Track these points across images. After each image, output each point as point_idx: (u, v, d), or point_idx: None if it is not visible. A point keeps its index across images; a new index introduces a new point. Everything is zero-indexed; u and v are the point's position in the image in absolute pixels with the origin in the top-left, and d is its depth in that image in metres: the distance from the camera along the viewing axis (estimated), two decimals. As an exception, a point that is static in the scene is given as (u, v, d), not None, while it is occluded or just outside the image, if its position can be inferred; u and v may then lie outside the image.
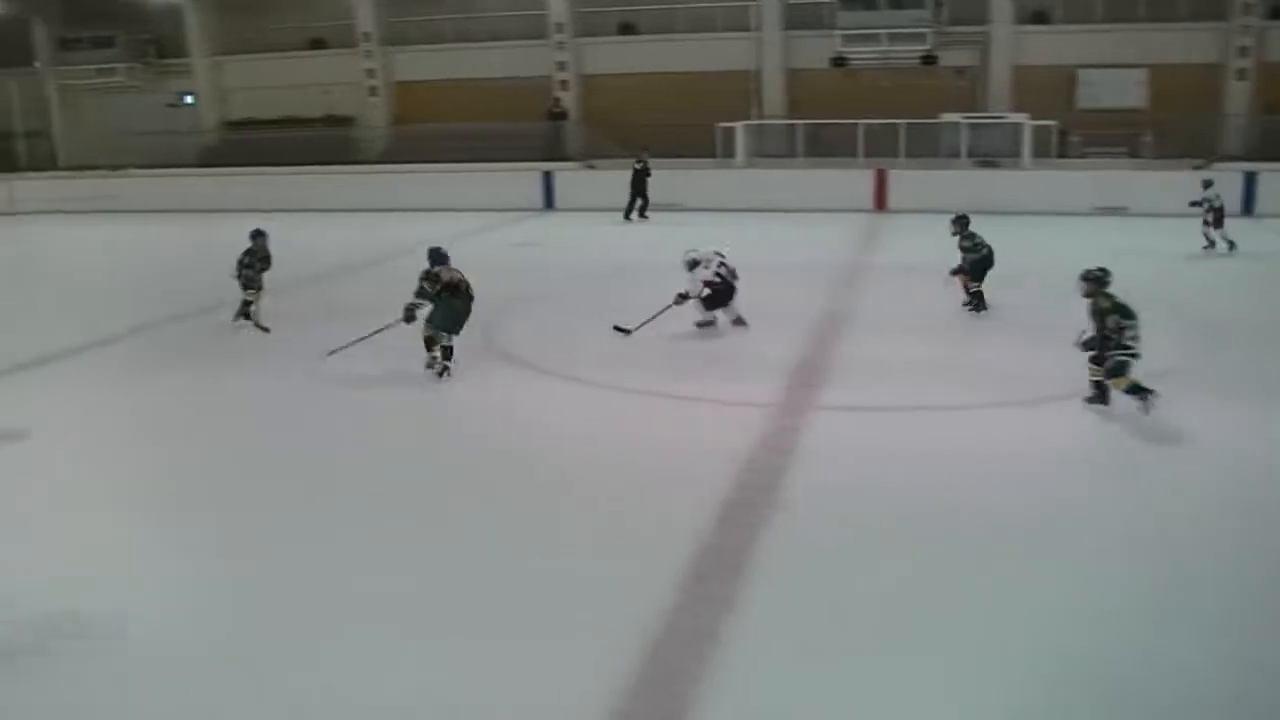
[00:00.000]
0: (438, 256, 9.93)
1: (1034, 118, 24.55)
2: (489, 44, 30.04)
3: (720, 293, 11.43)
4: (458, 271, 9.86)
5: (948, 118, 25.29)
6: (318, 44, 31.95)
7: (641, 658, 4.84)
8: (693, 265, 11.39)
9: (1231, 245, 16.64)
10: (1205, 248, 16.83)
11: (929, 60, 26.33)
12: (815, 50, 27.38)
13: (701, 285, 11.35)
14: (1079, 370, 8.49)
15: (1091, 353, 8.28)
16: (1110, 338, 8.06)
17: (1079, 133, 25.45)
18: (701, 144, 25.79)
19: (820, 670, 4.80)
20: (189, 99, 33.23)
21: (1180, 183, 18.69)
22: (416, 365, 9.91)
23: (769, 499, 6.79)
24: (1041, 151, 24.49)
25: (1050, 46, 26.58)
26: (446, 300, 9.68)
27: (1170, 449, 7.81)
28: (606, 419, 8.77)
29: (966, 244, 12.13)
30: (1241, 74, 25.35)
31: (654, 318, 11.18)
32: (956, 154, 24.97)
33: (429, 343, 9.84)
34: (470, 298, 9.82)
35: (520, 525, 6.56)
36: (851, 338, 11.54)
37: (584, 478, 7.40)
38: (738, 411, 8.70)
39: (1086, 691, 4.58)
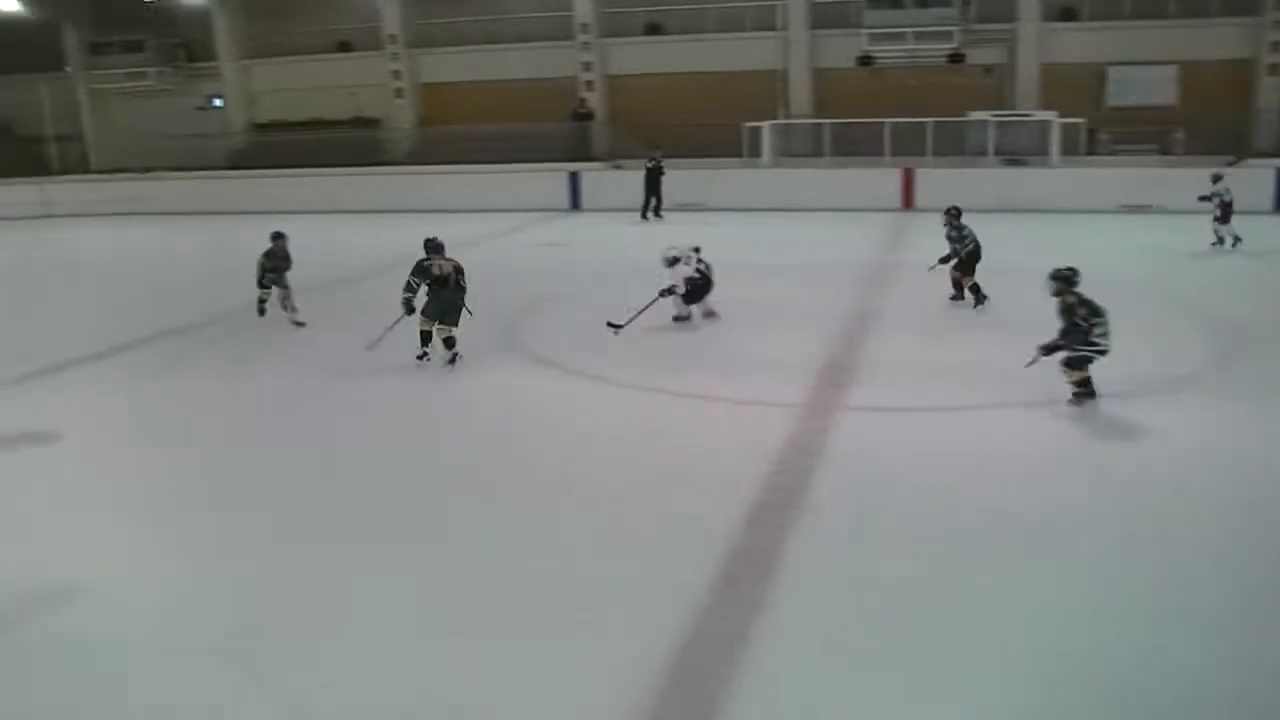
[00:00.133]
0: (431, 247, 10.21)
1: (1062, 115, 24.40)
2: (514, 45, 30.13)
3: (699, 288, 11.81)
4: (449, 263, 10.11)
5: (975, 116, 25.15)
6: (344, 46, 32.13)
7: (671, 660, 4.83)
8: (674, 261, 11.72)
9: (1236, 241, 16.54)
10: (1214, 244, 16.73)
11: (956, 58, 26.23)
12: (842, 49, 27.31)
13: (684, 281, 11.69)
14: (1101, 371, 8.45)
15: (1060, 355, 8.37)
16: (1079, 325, 8.17)
17: (1108, 130, 25.26)
18: (728, 144, 25.78)
19: (849, 672, 4.78)
20: (217, 102, 33.53)
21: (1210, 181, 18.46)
22: (440, 364, 10.14)
23: (798, 500, 6.76)
24: (1070, 149, 24.35)
25: (1079, 43, 26.38)
26: (436, 292, 10.02)
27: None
28: (633, 419, 8.78)
29: (953, 234, 12.39)
30: (1273, 69, 25.03)
31: (641, 312, 11.41)
32: (984, 152, 24.83)
33: (424, 336, 10.17)
34: (461, 289, 10.09)
35: (549, 525, 6.56)
36: (879, 337, 11.48)
37: (610, 478, 7.40)
38: (765, 411, 8.68)
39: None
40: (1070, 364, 8.35)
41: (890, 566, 5.83)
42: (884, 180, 23.98)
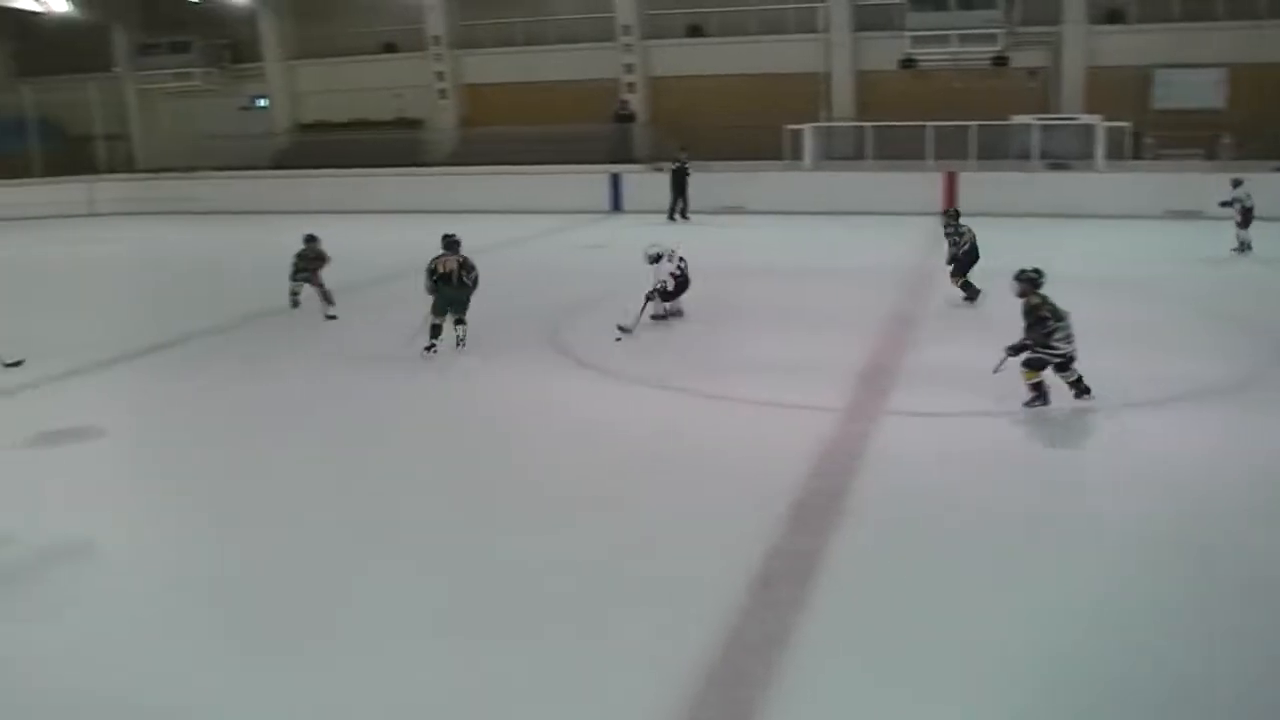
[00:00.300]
0: (445, 244, 10.81)
1: (1107, 119, 24.13)
2: (556, 47, 30.26)
3: (679, 285, 12.09)
4: (454, 260, 10.68)
5: (1019, 119, 24.94)
6: (389, 48, 32.38)
7: (711, 661, 4.83)
8: (656, 259, 11.97)
9: (1247, 247, 16.54)
10: (1234, 250, 16.65)
11: (1000, 61, 25.96)
12: (885, 52, 27.14)
13: (668, 278, 11.92)
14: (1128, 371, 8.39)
15: (1024, 356, 8.38)
16: (1043, 322, 8.20)
17: (1155, 134, 24.94)
18: (769, 146, 25.73)
19: (889, 675, 4.77)
20: (263, 102, 33.92)
21: (1257, 185, 18.10)
22: (484, 366, 10.30)
23: (839, 504, 6.76)
24: (1115, 153, 24.06)
25: (1125, 46, 26.01)
26: (441, 288, 10.65)
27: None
28: (674, 420, 8.80)
29: (951, 235, 12.81)
30: (1325, 73, 24.63)
31: (641, 312, 11.74)
32: (1027, 156, 24.59)
33: (433, 330, 10.63)
34: (464, 285, 10.64)
35: (589, 524, 6.59)
36: (920, 341, 11.45)
37: (653, 480, 7.41)
38: (806, 415, 8.66)
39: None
40: (1030, 365, 8.39)
41: (930, 570, 5.81)
42: (926, 184, 23.82)
